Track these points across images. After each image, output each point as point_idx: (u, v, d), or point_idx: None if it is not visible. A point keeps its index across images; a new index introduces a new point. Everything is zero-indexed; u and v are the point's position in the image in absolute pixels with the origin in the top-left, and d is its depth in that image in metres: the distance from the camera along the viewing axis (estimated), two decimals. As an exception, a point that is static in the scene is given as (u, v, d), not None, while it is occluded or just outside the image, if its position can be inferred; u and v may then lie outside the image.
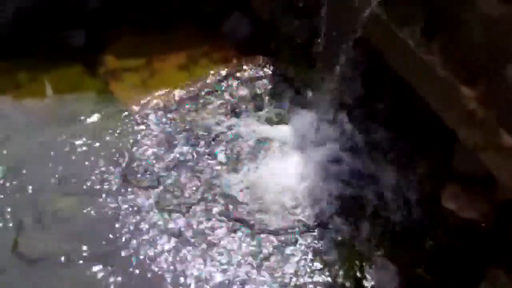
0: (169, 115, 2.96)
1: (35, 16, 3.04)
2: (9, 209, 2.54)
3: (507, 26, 2.14)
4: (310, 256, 2.50)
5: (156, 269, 2.43)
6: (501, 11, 2.14)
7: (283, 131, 2.94)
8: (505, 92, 2.21)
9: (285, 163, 2.82)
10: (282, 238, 2.55)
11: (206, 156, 2.82)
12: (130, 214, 2.58)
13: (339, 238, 2.58)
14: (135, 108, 2.97)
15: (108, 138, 2.83)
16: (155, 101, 3.01)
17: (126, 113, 2.94)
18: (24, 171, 2.67)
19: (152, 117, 2.94)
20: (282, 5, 3.34)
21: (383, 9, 2.57)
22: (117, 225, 2.54)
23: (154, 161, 2.77)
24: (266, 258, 2.48)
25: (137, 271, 2.41)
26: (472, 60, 2.31)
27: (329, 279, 2.46)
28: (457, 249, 2.56)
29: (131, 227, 2.54)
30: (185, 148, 2.84)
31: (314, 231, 2.59)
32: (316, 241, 2.56)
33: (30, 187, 2.62)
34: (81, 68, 3.11)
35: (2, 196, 2.59)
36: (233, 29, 3.34)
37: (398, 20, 2.55)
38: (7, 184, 2.63)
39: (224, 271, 2.43)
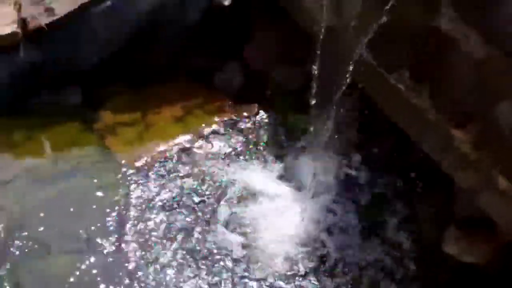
0: (165, 169, 2.95)
1: (30, 78, 3.06)
2: (6, 269, 2.52)
3: (493, 65, 2.15)
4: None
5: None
6: (486, 51, 2.15)
7: (279, 181, 2.94)
8: (496, 132, 2.20)
9: (279, 219, 2.81)
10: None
11: (204, 215, 2.81)
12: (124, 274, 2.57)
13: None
14: (131, 162, 2.96)
15: (103, 195, 2.81)
16: (151, 155, 3.00)
17: (122, 168, 2.93)
18: (21, 230, 2.64)
19: (148, 171, 2.93)
20: (274, 54, 3.38)
21: (372, 55, 2.59)
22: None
23: (150, 224, 2.75)
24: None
25: None
26: (462, 103, 2.31)
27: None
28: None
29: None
30: (181, 205, 2.83)
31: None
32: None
33: (26, 246, 2.59)
34: (78, 125, 3.11)
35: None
36: (227, 79, 3.35)
37: (387, 65, 2.56)
38: (5, 244, 2.61)
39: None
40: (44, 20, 3.00)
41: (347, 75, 2.61)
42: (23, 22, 3.03)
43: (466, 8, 2.15)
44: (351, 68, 2.58)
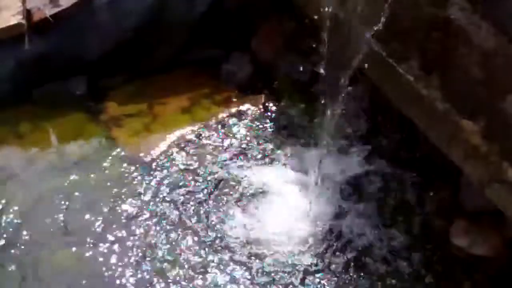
0: (172, 160, 2.93)
1: (35, 68, 3.06)
2: (13, 266, 2.52)
3: (502, 58, 2.12)
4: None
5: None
6: (495, 43, 2.12)
7: (286, 171, 2.92)
8: (506, 124, 2.17)
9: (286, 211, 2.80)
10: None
11: (210, 202, 2.79)
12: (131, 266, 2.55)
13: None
14: (138, 154, 2.95)
15: (110, 186, 2.81)
16: (158, 146, 2.98)
17: (128, 159, 2.92)
18: (27, 222, 2.65)
19: (155, 163, 2.92)
20: (282, 45, 3.36)
21: (381, 46, 2.56)
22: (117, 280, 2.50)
23: (157, 216, 2.73)
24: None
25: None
26: (472, 94, 2.28)
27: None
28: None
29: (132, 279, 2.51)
30: (189, 197, 2.80)
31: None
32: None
33: (32, 238, 2.60)
34: (83, 116, 3.11)
35: (4, 246, 2.58)
36: (234, 70, 3.33)
37: (396, 56, 2.54)
38: (11, 236, 2.61)
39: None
40: (49, 11, 3.00)
41: (355, 65, 2.59)
42: (28, 13, 3.03)
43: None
44: (359, 58, 2.56)
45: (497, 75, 2.16)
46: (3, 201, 2.73)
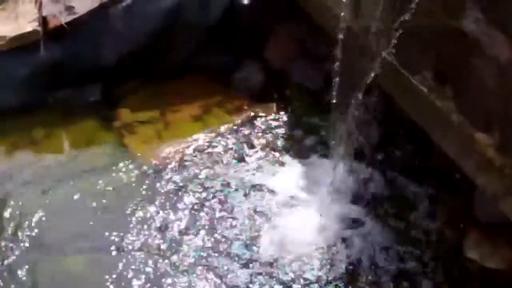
0: (185, 169, 2.93)
1: (50, 75, 3.08)
2: (25, 268, 2.52)
3: (518, 70, 2.10)
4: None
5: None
6: (510, 55, 2.10)
7: (298, 180, 2.90)
8: (521, 138, 2.15)
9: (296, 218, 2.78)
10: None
11: (221, 209, 2.79)
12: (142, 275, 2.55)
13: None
14: (150, 161, 2.95)
15: (122, 193, 2.82)
16: (170, 154, 2.99)
17: (140, 167, 2.93)
18: (40, 228, 2.66)
19: (167, 171, 2.91)
20: (294, 53, 3.36)
21: (394, 56, 2.55)
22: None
23: (170, 223, 2.73)
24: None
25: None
26: (486, 105, 2.26)
27: None
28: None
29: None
30: (200, 205, 2.80)
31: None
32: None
33: (46, 245, 2.61)
34: (96, 122, 3.13)
35: (18, 253, 2.58)
36: (246, 78, 3.33)
37: (410, 66, 2.52)
38: (23, 242, 2.62)
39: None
40: (65, 18, 3.03)
41: (368, 75, 2.58)
42: (43, 20, 3.05)
43: (493, 10, 2.10)
44: (372, 68, 2.55)
45: (512, 87, 2.15)
46: (18, 209, 2.73)
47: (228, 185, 2.89)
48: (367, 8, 2.54)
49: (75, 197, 2.80)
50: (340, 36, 2.66)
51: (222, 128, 3.12)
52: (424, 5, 2.25)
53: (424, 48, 2.44)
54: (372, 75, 2.56)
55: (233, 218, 2.76)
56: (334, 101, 2.85)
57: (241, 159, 3.02)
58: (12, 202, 2.76)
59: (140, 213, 2.76)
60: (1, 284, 2.48)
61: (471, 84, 2.30)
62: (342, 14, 2.67)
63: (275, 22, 3.40)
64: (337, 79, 2.76)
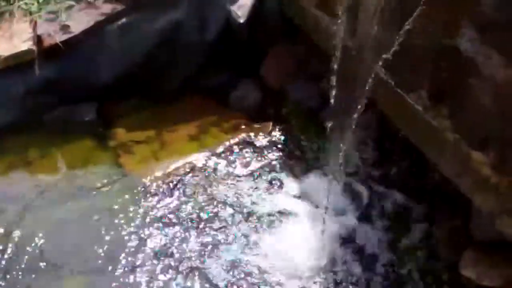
0: (180, 189, 2.93)
1: (45, 94, 3.08)
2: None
3: (513, 89, 2.11)
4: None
5: None
6: (506, 74, 2.11)
7: (295, 200, 2.90)
8: (516, 156, 2.16)
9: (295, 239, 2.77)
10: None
11: (218, 228, 2.79)
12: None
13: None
14: (146, 182, 2.94)
15: (118, 213, 2.80)
16: (166, 174, 2.98)
17: (137, 187, 2.92)
18: (36, 250, 2.64)
19: (163, 191, 2.91)
20: (291, 72, 3.37)
21: (389, 75, 2.56)
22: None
23: (166, 244, 2.72)
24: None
25: None
26: (482, 124, 2.27)
27: None
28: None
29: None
30: (196, 227, 2.79)
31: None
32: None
33: (40, 267, 2.59)
34: (92, 142, 3.12)
35: (13, 274, 2.56)
36: (243, 96, 3.34)
37: (405, 85, 2.53)
38: (19, 264, 2.60)
39: None
40: (60, 38, 3.02)
41: (364, 94, 2.58)
42: (38, 39, 3.04)
43: (488, 29, 2.12)
44: (368, 87, 2.56)
45: (508, 107, 2.15)
46: (13, 231, 2.72)
47: (224, 205, 2.88)
48: (363, 27, 2.55)
49: (71, 218, 2.79)
50: (337, 54, 2.68)
51: (219, 148, 3.12)
52: (419, 24, 2.27)
53: (420, 67, 2.45)
54: (368, 93, 2.59)
55: (228, 243, 2.74)
56: (331, 120, 2.87)
57: (237, 177, 3.00)
58: (6, 224, 2.74)
59: (136, 235, 2.75)
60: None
61: (467, 103, 2.30)
62: (338, 32, 2.70)
63: (272, 41, 3.42)
64: (334, 97, 2.78)
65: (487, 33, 2.15)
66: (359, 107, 2.62)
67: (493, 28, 2.13)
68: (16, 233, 2.71)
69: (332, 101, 2.79)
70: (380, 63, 2.45)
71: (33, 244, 2.67)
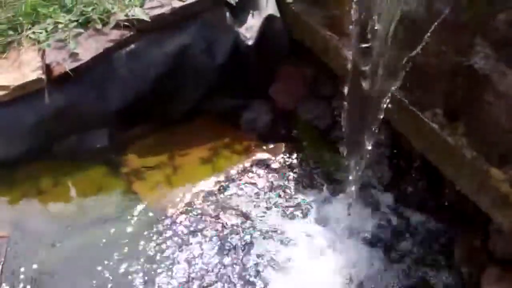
0: (195, 213, 2.90)
1: (55, 122, 3.04)
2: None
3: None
4: None
5: None
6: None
7: (309, 223, 2.87)
8: (537, 173, 2.14)
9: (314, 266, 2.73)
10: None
11: (234, 256, 2.75)
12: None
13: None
14: (160, 208, 2.92)
15: (133, 242, 2.77)
16: (179, 199, 2.96)
17: (150, 214, 2.90)
18: (49, 282, 2.61)
19: (177, 216, 2.89)
20: (301, 92, 3.36)
21: (404, 94, 2.54)
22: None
23: (184, 276, 2.68)
24: None
25: None
26: (499, 141, 2.25)
27: None
28: None
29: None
30: (213, 255, 2.76)
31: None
32: None
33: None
34: (104, 169, 3.10)
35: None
36: (254, 118, 3.33)
37: (419, 103, 2.52)
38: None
39: None
40: (69, 65, 3.00)
41: (378, 114, 2.57)
42: (47, 68, 3.03)
43: (503, 46, 2.11)
44: (382, 106, 2.54)
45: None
46: (26, 262, 2.68)
47: (239, 228, 2.86)
48: (375, 46, 2.54)
49: (84, 248, 2.75)
50: (348, 74, 2.67)
51: (232, 171, 3.11)
52: (433, 42, 2.26)
53: (434, 85, 2.45)
54: (382, 113, 2.57)
55: (245, 264, 2.72)
56: (344, 140, 2.85)
57: (251, 200, 2.98)
58: (20, 255, 2.71)
59: (151, 265, 2.71)
60: None
61: (483, 120, 2.29)
62: (349, 52, 2.69)
63: (282, 62, 3.41)
64: (346, 117, 2.76)
65: (502, 50, 2.15)
66: (373, 128, 2.61)
67: (508, 44, 2.13)
68: (28, 264, 2.67)
69: (344, 121, 2.78)
70: (396, 83, 2.44)
71: (45, 276, 2.63)
